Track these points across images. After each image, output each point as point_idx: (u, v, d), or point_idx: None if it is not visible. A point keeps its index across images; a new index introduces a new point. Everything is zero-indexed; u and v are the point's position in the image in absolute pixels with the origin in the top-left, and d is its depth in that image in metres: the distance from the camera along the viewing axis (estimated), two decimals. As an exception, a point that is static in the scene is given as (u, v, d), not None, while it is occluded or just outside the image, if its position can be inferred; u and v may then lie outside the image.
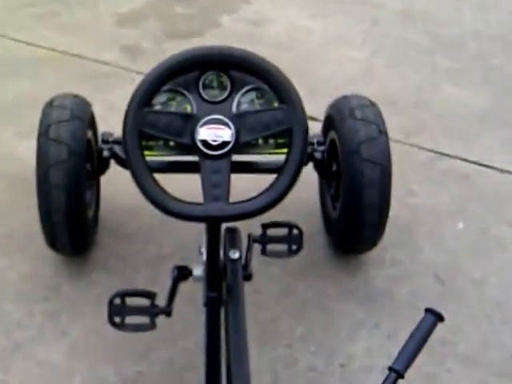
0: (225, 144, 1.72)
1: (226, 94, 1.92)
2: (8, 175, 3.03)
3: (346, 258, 2.70)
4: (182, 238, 2.73)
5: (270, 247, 2.38)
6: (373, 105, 2.55)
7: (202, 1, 4.33)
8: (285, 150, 1.80)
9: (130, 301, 2.07)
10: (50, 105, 2.53)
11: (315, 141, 2.61)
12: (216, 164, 1.71)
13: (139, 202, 2.81)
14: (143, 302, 2.05)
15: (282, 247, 2.39)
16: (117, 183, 2.84)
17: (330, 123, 2.60)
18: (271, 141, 2.02)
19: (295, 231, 2.37)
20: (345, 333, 2.45)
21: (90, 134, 2.56)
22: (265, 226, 2.39)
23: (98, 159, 2.61)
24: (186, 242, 2.67)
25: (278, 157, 1.94)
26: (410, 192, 3.01)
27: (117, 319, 2.07)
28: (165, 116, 1.76)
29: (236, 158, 1.80)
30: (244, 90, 1.92)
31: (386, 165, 2.41)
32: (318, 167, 2.65)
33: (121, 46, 3.79)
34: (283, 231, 2.37)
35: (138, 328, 2.07)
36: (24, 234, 2.76)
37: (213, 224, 1.87)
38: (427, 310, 1.54)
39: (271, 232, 2.37)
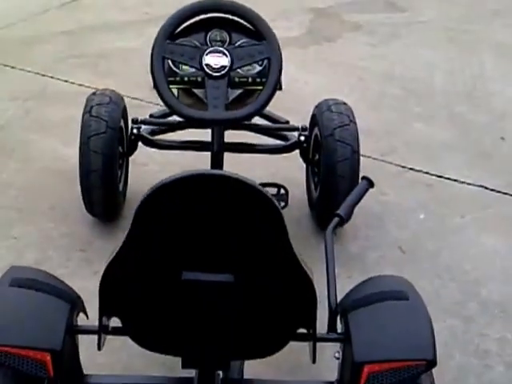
0: (223, 67, 2.17)
1: (225, 44, 2.39)
2: (55, 170, 3.47)
3: (326, 232, 3.07)
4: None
5: None
6: (345, 104, 3.00)
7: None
8: None
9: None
10: (93, 94, 2.99)
11: (300, 126, 3.03)
12: (217, 82, 2.17)
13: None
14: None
15: None
16: (140, 181, 3.27)
17: (314, 121, 3.03)
18: (258, 80, 2.45)
19: (282, 191, 2.77)
20: (323, 281, 2.79)
21: (122, 122, 2.99)
22: None
23: (128, 141, 3.02)
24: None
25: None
26: (383, 192, 3.41)
27: None
28: (181, 47, 2.22)
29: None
30: (239, 43, 2.39)
31: (355, 145, 2.84)
32: (304, 154, 3.06)
33: (150, 87, 4.27)
34: (272, 191, 2.77)
35: None
36: (65, 207, 3.16)
37: (214, 126, 2.29)
38: (363, 178, 1.96)
39: None
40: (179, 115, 2.19)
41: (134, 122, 3.02)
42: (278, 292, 1.60)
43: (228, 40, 2.40)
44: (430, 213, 3.29)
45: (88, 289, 2.67)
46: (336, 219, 1.94)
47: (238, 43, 2.39)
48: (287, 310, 1.64)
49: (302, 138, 3.00)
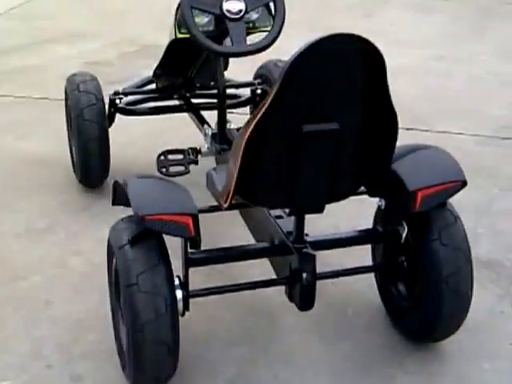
0: (240, 11, 2.62)
1: None
2: (26, 160, 3.71)
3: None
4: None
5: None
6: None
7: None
8: None
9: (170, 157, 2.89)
10: (73, 75, 3.32)
11: (256, 82, 3.51)
12: (236, 24, 2.61)
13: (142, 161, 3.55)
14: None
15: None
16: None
17: (261, 79, 3.51)
18: (256, 24, 2.89)
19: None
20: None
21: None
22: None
23: (108, 112, 3.31)
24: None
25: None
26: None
27: (163, 169, 2.87)
28: None
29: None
30: None
31: None
32: (256, 106, 3.50)
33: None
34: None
35: (178, 173, 2.87)
36: (52, 184, 3.46)
37: (235, 57, 2.74)
38: None
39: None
40: (211, 50, 2.62)
41: (116, 93, 3.36)
42: (371, 139, 1.98)
43: None
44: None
45: (101, 237, 2.93)
46: None
47: None
48: (372, 156, 2.03)
49: (259, 91, 3.47)
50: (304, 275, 2.13)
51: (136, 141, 3.82)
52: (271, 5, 2.75)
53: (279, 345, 2.43)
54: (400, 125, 3.92)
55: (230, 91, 3.39)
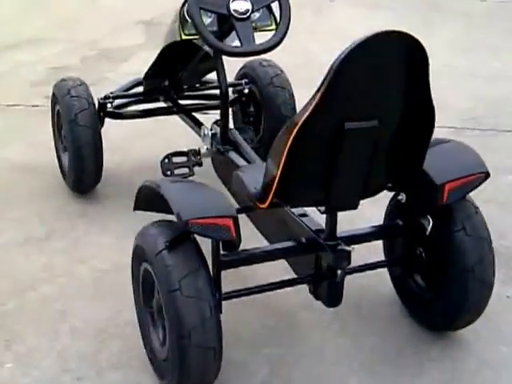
0: (247, 10, 2.58)
1: None
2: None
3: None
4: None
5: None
6: (271, 61, 3.47)
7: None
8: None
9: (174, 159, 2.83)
10: (62, 80, 3.21)
11: (243, 81, 3.45)
12: (244, 23, 2.57)
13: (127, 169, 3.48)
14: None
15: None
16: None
17: (246, 78, 3.46)
18: (258, 23, 2.86)
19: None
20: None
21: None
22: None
23: (98, 116, 3.20)
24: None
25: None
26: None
27: (168, 173, 2.80)
28: None
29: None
30: None
31: (290, 89, 3.34)
32: (242, 105, 3.48)
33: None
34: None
35: (183, 176, 2.81)
36: (40, 192, 3.34)
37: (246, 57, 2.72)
38: None
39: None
40: (220, 51, 2.56)
41: (106, 97, 3.26)
42: (408, 137, 1.96)
43: None
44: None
45: (102, 242, 2.92)
46: None
47: None
48: (408, 153, 2.02)
49: (246, 91, 3.41)
50: (339, 272, 2.11)
51: (120, 144, 3.72)
52: (273, 5, 2.72)
53: (305, 342, 2.42)
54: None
55: (216, 92, 3.32)
